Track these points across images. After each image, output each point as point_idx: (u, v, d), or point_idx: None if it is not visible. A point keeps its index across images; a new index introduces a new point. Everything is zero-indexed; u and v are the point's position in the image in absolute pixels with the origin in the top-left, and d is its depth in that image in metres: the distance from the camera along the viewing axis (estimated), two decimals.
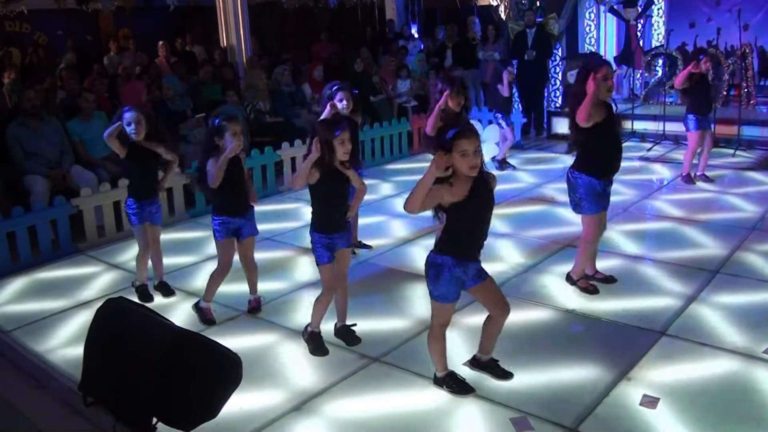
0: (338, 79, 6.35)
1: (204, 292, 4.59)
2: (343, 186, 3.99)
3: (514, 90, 9.81)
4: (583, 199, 4.54)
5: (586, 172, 4.49)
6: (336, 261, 4.01)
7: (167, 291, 5.03)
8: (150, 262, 5.03)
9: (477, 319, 4.04)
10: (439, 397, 3.56)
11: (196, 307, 4.61)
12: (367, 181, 4.31)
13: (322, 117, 4.96)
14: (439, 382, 3.62)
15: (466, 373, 3.71)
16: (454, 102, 5.43)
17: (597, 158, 4.47)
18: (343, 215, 4.02)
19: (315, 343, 4.11)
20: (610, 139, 4.49)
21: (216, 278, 4.56)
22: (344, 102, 5.12)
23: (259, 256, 4.87)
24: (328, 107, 5.06)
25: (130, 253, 5.91)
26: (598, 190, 4.48)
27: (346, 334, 4.21)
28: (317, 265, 4.04)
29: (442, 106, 5.46)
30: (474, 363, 3.75)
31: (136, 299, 4.76)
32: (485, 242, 3.49)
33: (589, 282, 4.75)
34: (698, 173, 7.38)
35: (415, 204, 3.18)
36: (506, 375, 3.67)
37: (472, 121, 5.85)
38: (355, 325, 4.25)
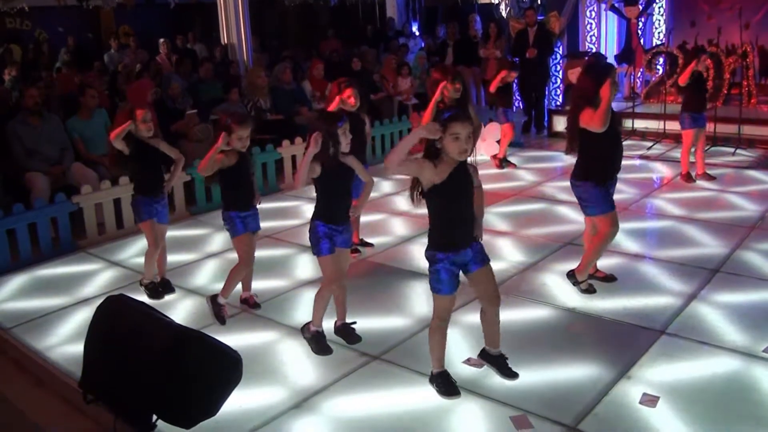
0: (340, 76, 6.36)
1: (222, 288, 4.51)
2: (347, 179, 3.98)
3: (515, 89, 9.81)
4: (587, 203, 4.53)
5: (585, 179, 4.45)
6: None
7: (168, 288, 5.03)
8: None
9: (477, 317, 4.04)
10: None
11: (214, 301, 4.50)
12: None
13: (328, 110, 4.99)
14: (430, 379, 3.61)
15: (466, 372, 3.71)
16: (451, 89, 5.41)
17: (597, 164, 4.41)
18: (346, 210, 3.98)
19: (318, 343, 4.08)
20: (611, 141, 4.42)
21: (239, 273, 4.50)
22: (352, 99, 5.18)
23: (259, 253, 4.86)
24: (336, 101, 5.14)
25: (130, 251, 5.92)
26: (600, 192, 4.45)
27: (346, 332, 4.20)
28: (317, 257, 3.97)
29: (438, 99, 5.43)
30: (483, 356, 3.75)
31: (143, 297, 4.76)
32: (479, 234, 3.52)
33: (589, 283, 4.74)
34: (698, 172, 7.37)
35: (394, 159, 3.25)
36: (511, 374, 3.66)
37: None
38: (355, 323, 4.24)
